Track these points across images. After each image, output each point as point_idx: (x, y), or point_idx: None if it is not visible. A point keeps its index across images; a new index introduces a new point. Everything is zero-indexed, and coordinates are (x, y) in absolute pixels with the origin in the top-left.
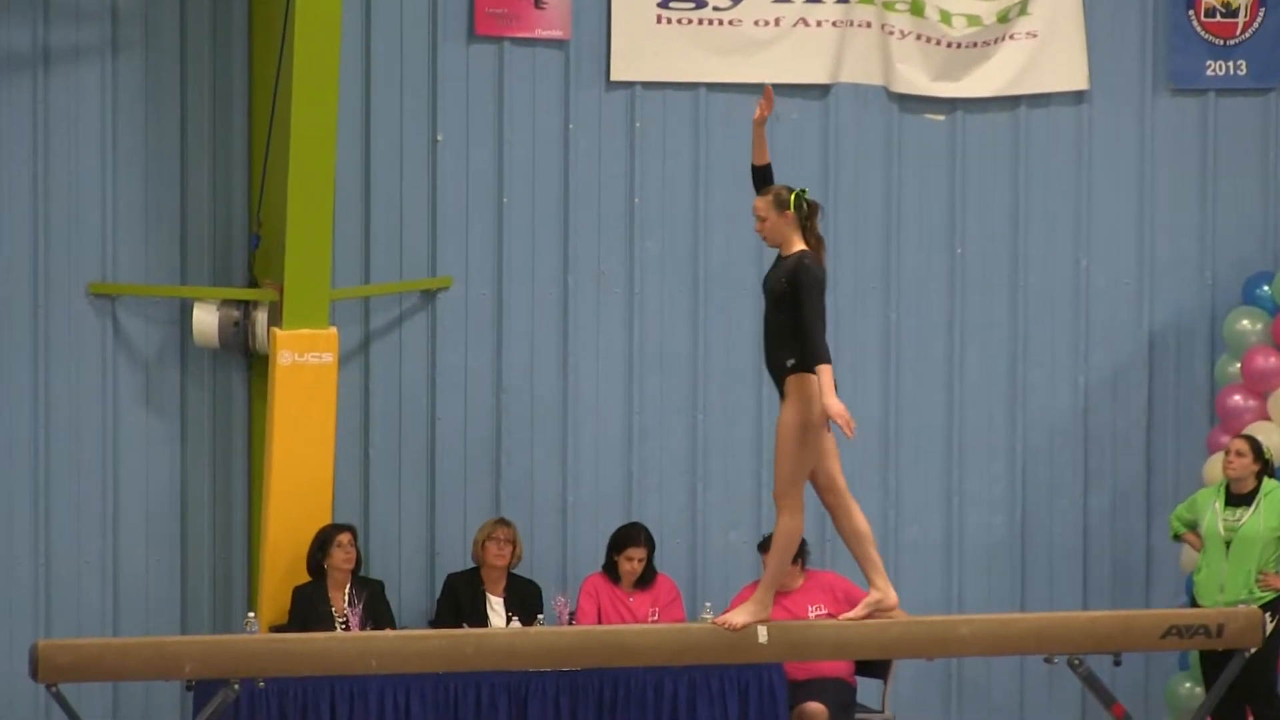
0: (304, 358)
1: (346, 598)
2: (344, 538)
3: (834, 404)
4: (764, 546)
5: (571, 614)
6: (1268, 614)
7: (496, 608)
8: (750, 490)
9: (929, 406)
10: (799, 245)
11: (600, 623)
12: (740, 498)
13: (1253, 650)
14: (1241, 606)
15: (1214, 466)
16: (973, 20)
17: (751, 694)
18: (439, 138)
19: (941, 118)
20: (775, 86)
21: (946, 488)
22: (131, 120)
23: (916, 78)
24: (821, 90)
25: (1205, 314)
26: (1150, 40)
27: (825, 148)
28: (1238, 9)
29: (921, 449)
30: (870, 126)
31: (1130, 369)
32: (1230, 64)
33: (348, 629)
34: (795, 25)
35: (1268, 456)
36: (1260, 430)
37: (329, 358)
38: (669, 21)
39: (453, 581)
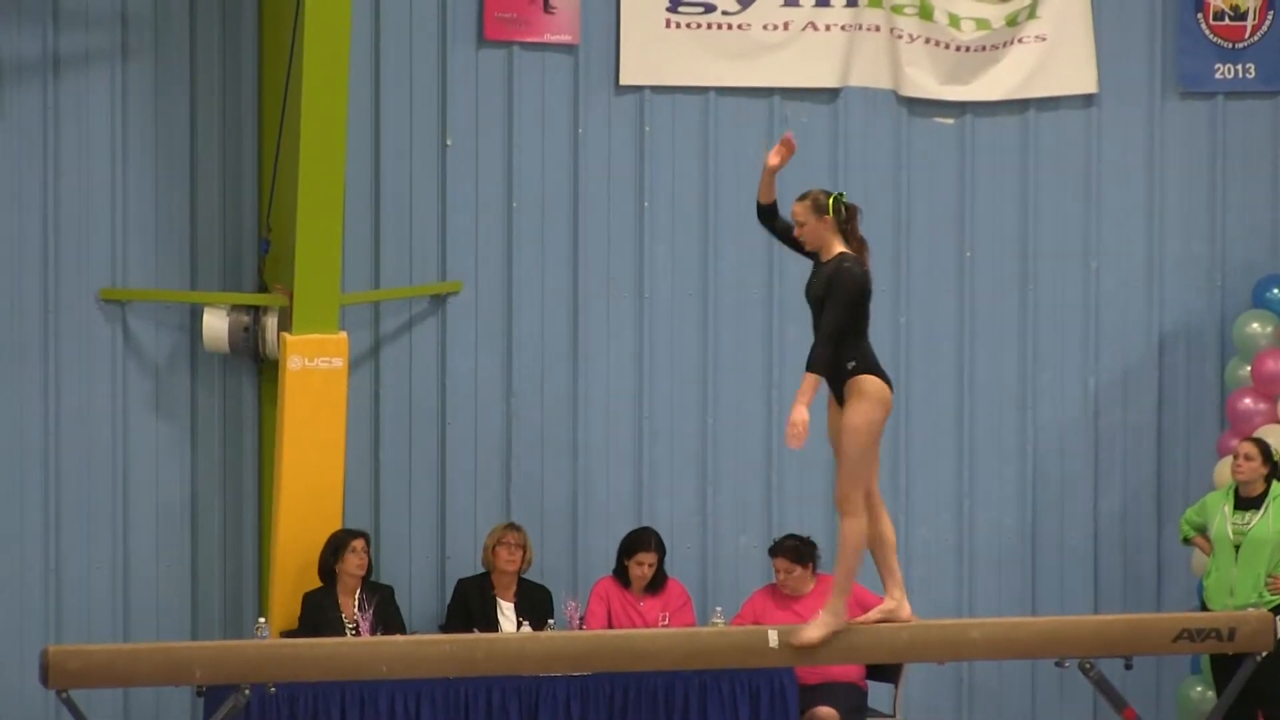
0: (314, 363)
1: (357, 603)
2: (358, 543)
3: (796, 410)
4: (774, 550)
5: (582, 618)
6: (1278, 617)
7: (507, 613)
8: (760, 494)
9: (939, 409)
10: (839, 249)
11: (611, 627)
12: (750, 502)
13: (1264, 654)
14: (1252, 610)
15: (1224, 469)
16: (981, 24)
17: (762, 698)
18: (449, 142)
19: (950, 121)
20: (784, 90)
21: (957, 490)
22: (141, 126)
23: (925, 81)
24: (830, 94)
25: (1215, 317)
26: (1159, 43)
27: (834, 151)
28: (1246, 12)
29: (931, 451)
30: (879, 130)
31: (1140, 372)
32: (1239, 67)
33: (358, 634)
34: (804, 29)
35: (1277, 460)
36: (1270, 433)
37: (339, 363)
38: (678, 26)
39: (463, 586)
